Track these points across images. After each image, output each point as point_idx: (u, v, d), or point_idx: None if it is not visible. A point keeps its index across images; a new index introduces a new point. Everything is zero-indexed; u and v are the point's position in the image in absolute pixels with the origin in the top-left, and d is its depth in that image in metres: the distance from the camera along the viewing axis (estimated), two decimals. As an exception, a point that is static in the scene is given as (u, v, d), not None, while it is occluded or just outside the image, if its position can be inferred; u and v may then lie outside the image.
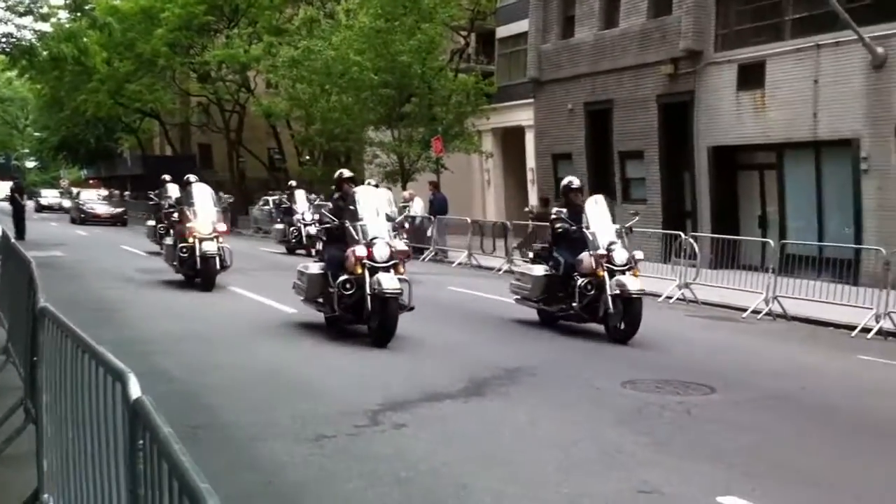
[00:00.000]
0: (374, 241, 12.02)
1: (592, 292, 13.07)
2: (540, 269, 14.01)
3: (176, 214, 20.09)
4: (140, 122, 63.03)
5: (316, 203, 29.88)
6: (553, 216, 14.19)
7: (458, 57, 42.06)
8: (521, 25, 35.23)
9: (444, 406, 8.73)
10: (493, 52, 41.16)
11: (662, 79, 26.77)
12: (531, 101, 33.97)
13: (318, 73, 35.40)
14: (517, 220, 27.14)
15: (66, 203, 62.28)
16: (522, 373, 10.48)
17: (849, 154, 21.34)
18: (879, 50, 20.17)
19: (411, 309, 12.15)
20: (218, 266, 17.70)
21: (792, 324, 15.81)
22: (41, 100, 65.97)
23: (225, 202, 21.09)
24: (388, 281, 11.68)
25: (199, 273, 17.72)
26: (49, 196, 71.77)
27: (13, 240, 12.06)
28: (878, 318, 14.60)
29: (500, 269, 24.11)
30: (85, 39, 32.11)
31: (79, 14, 33.96)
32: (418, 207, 27.64)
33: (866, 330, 14.47)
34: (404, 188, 31.48)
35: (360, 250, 11.91)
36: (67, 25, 32.60)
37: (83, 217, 48.66)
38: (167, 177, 25.71)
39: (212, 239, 17.69)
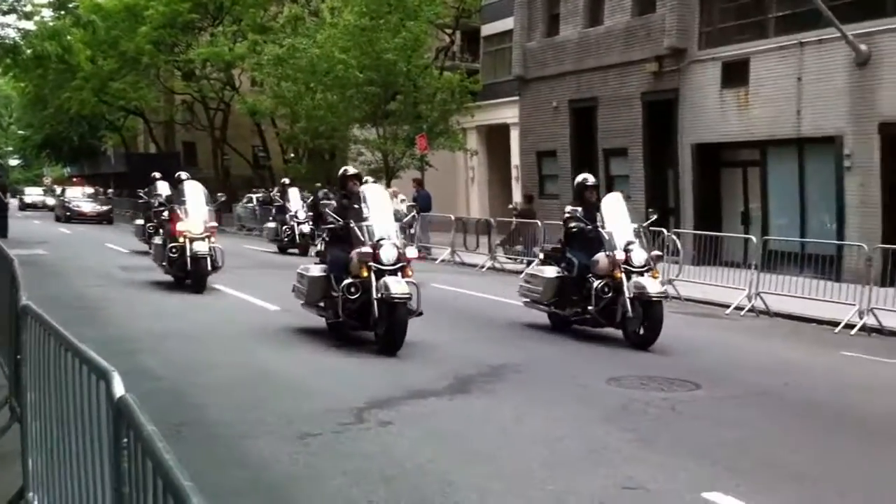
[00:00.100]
0: (381, 242, 11.37)
1: (609, 295, 12.43)
2: (552, 271, 13.30)
3: (166, 213, 19.19)
4: (124, 120, 62.83)
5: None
6: (567, 215, 13.40)
7: (443, 55, 42.05)
8: (507, 23, 35.28)
9: (429, 403, 8.73)
10: (478, 50, 41.18)
11: (647, 76, 26.85)
12: (516, 98, 34.02)
13: (302, 71, 35.35)
14: (501, 217, 27.17)
15: (50, 201, 61.95)
16: (508, 370, 10.48)
17: (832, 151, 21.43)
18: (863, 47, 20.26)
19: (420, 314, 11.47)
20: (209, 267, 16.96)
21: (775, 320, 15.87)
22: (25, 98, 65.67)
23: (218, 201, 20.72)
24: (396, 285, 11.03)
25: (189, 274, 17.03)
26: (33, 194, 71.47)
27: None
28: (861, 314, 14.65)
29: (483, 266, 24.15)
30: (69, 37, 31.99)
31: (63, 12, 33.94)
32: (402, 205, 27.62)
33: (850, 326, 14.54)
34: (388, 185, 31.43)
35: (366, 252, 11.29)
36: (51, 23, 32.54)
37: (68, 215, 47.95)
38: (157, 174, 25.28)
39: (203, 239, 16.94)
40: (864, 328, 14.50)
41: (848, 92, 20.90)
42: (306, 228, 27.65)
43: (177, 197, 18.55)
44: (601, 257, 12.70)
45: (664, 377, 10.18)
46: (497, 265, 24.35)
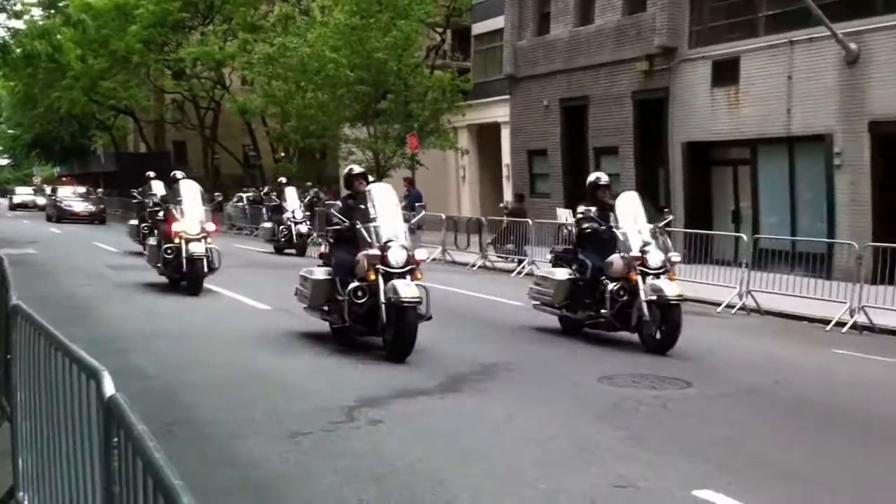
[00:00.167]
0: (389, 244, 10.91)
1: (625, 298, 12.03)
2: (563, 273, 12.88)
3: (161, 213, 18.88)
4: (114, 119, 62.78)
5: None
6: (579, 215, 12.99)
7: (433, 54, 42.08)
8: (497, 22, 35.27)
9: (420, 402, 8.72)
10: (468, 49, 41.16)
11: (637, 75, 26.87)
12: (507, 97, 34.03)
13: (293, 69, 35.31)
14: (492, 216, 27.18)
15: (40, 200, 61.53)
16: (499, 368, 10.48)
17: (822, 149, 21.47)
18: (852, 46, 20.30)
19: (429, 318, 11.01)
20: (205, 268, 16.52)
21: (766, 318, 15.90)
22: (14, 97, 65.55)
23: (216, 201, 20.50)
24: (406, 288, 10.60)
25: (184, 276, 16.56)
26: (22, 194, 71.06)
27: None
28: (851, 312, 14.69)
29: (474, 265, 24.14)
30: (59, 36, 31.99)
31: (52, 11, 33.93)
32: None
33: (840, 324, 14.57)
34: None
35: (374, 254, 10.88)
36: (41, 22, 32.50)
37: (60, 215, 46.92)
38: (151, 173, 25.09)
39: (199, 239, 16.47)
40: (854, 326, 14.53)
41: (838, 90, 20.94)
42: (304, 228, 27.62)
43: (172, 196, 18.22)
44: (616, 259, 12.31)
45: (656, 375, 10.19)
46: (488, 264, 24.34)
